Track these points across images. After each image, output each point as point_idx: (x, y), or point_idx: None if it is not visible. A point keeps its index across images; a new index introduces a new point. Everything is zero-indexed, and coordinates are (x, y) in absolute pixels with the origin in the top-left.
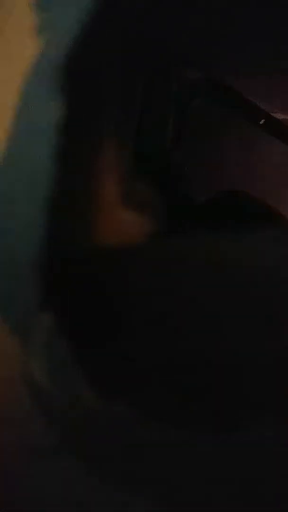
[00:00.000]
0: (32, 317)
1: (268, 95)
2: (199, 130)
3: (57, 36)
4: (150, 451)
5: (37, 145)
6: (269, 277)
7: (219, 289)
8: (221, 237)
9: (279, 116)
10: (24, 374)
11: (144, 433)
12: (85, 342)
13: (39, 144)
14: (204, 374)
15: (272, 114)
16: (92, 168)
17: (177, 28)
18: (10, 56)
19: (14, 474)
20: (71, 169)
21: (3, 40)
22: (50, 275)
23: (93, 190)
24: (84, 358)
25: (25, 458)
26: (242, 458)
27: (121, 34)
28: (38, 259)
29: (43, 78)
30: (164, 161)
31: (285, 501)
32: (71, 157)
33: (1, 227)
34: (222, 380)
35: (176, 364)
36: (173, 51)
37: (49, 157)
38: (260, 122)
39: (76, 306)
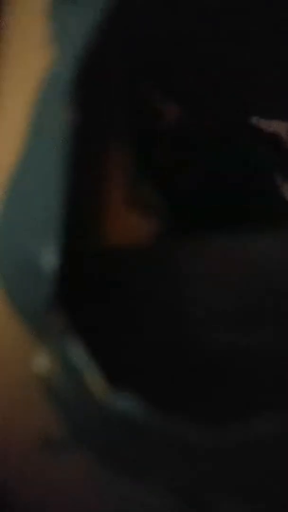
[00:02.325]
0: (45, 313)
1: (268, 99)
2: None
3: (69, 46)
4: (158, 442)
5: (49, 151)
6: (273, 277)
7: (223, 289)
8: (225, 237)
9: (277, 124)
10: (37, 369)
11: (151, 424)
12: (95, 337)
13: (51, 150)
14: (208, 368)
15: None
16: (100, 172)
17: (182, 37)
18: (23, 66)
19: (26, 466)
20: (80, 174)
21: (16, 50)
22: (62, 274)
23: (101, 193)
24: (95, 352)
25: (37, 450)
26: (244, 452)
27: (129, 43)
28: (51, 258)
29: (55, 87)
30: (166, 165)
31: (285, 496)
32: (80, 162)
33: (18, 230)
34: (228, 377)
35: (182, 360)
36: (176, 59)
37: (60, 162)
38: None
39: (87, 303)
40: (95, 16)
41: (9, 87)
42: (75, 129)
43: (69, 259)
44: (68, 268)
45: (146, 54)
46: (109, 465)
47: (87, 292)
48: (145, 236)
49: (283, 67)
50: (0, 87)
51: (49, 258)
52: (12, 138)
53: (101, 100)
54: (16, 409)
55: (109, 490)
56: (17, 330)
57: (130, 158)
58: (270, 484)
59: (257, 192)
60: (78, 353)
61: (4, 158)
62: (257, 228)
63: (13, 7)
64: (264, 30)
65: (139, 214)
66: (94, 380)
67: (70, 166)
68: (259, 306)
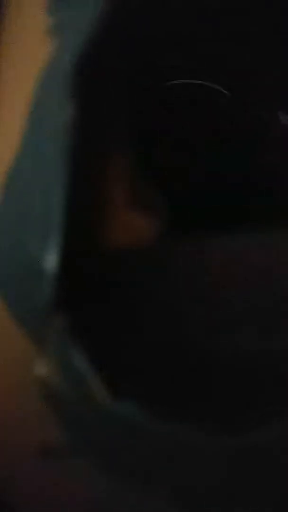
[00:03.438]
0: (46, 317)
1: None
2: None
3: (70, 40)
4: (160, 447)
5: (49, 149)
6: (274, 277)
7: (223, 289)
8: (225, 237)
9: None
10: (37, 373)
11: (153, 428)
12: (96, 338)
13: (51, 147)
14: (211, 373)
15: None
16: (100, 171)
17: (182, 35)
18: (23, 59)
19: (27, 473)
20: (81, 173)
21: (16, 43)
22: (63, 276)
23: (101, 193)
24: (95, 354)
25: (38, 457)
26: (248, 459)
27: (130, 38)
28: (50, 259)
29: (55, 82)
30: (166, 165)
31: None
32: (80, 160)
33: (16, 229)
34: (229, 380)
35: (184, 363)
36: (175, 58)
37: (60, 160)
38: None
39: (87, 304)
40: (95, 10)
41: (8, 82)
42: (75, 125)
43: (69, 260)
44: (68, 268)
45: (147, 50)
46: (111, 471)
47: (87, 293)
48: (146, 236)
49: (284, 67)
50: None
51: (49, 258)
52: (11, 134)
53: (101, 96)
54: (16, 414)
55: (111, 496)
56: (16, 333)
57: (130, 158)
58: (275, 489)
59: (257, 192)
60: (79, 356)
61: (2, 155)
62: (257, 228)
63: (13, 1)
64: (264, 30)
65: (139, 214)
66: (95, 383)
67: (70, 164)
68: (260, 307)
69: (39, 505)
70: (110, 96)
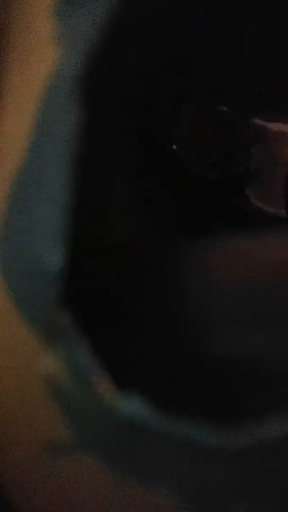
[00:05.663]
0: (50, 313)
1: (268, 101)
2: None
3: (76, 46)
4: (166, 445)
5: (55, 153)
6: (275, 277)
7: (225, 289)
8: (226, 238)
9: (279, 125)
10: (42, 370)
11: (159, 426)
12: (101, 338)
13: (56, 150)
14: (216, 369)
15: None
16: (103, 172)
17: (187, 36)
18: (29, 66)
19: (31, 469)
20: (85, 173)
21: (23, 50)
22: (67, 275)
23: (104, 193)
24: (101, 353)
25: (43, 454)
26: (249, 457)
27: (137, 43)
28: (56, 258)
29: (61, 87)
30: (168, 166)
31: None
32: (85, 162)
33: (20, 228)
34: (235, 375)
35: (187, 359)
36: (181, 58)
37: (66, 162)
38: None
39: (91, 304)
40: (101, 14)
41: (14, 87)
42: (81, 128)
43: (74, 259)
44: (72, 268)
45: (152, 52)
46: (117, 469)
47: (91, 293)
48: (147, 236)
49: (284, 67)
50: (5, 86)
51: (54, 258)
52: (17, 138)
53: (107, 100)
54: (22, 411)
55: (117, 495)
56: (22, 332)
57: (133, 159)
58: (283, 489)
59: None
60: (85, 354)
61: (9, 158)
62: (258, 228)
63: (18, 6)
64: (264, 29)
65: (141, 214)
66: (101, 382)
67: (75, 165)
68: (262, 306)
69: (43, 505)
70: (116, 95)
